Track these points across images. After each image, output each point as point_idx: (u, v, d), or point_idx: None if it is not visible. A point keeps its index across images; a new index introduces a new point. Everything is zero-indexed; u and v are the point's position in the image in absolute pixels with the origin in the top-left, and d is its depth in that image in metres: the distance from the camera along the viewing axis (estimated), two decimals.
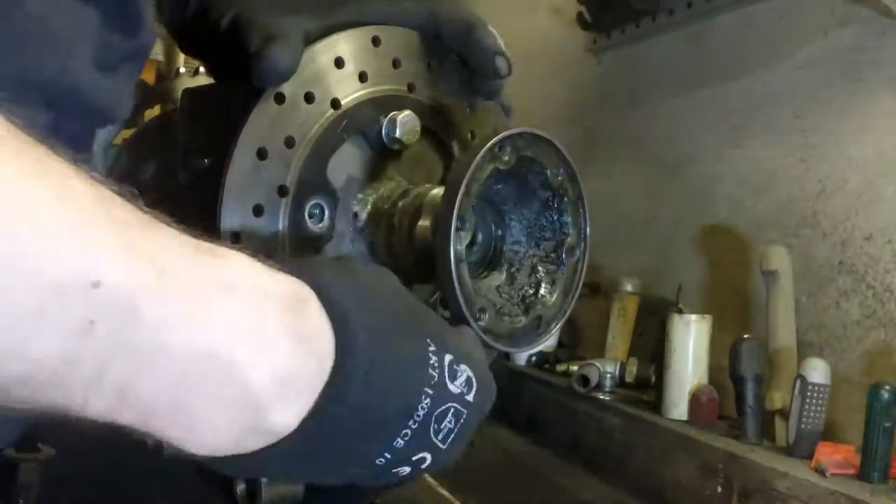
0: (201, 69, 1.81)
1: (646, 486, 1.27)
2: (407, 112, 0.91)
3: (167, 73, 1.90)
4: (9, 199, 0.35)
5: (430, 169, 0.97)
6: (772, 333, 1.29)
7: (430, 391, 0.54)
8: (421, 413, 0.54)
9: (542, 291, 0.87)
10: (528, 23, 2.28)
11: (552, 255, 0.88)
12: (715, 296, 1.58)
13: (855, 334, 1.29)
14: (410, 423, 0.53)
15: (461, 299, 0.74)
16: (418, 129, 0.92)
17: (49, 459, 1.02)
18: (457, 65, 1.00)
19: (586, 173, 0.87)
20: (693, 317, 1.32)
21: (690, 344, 1.30)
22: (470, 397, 0.58)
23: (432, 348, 0.56)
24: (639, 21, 1.87)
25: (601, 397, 1.45)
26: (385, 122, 0.91)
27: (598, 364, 1.50)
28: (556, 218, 0.88)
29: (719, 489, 1.14)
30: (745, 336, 1.24)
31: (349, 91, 0.90)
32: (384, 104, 0.93)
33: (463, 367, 0.58)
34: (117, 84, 0.68)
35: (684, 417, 1.28)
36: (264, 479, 0.95)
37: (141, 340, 0.40)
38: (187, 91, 0.93)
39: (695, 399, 1.28)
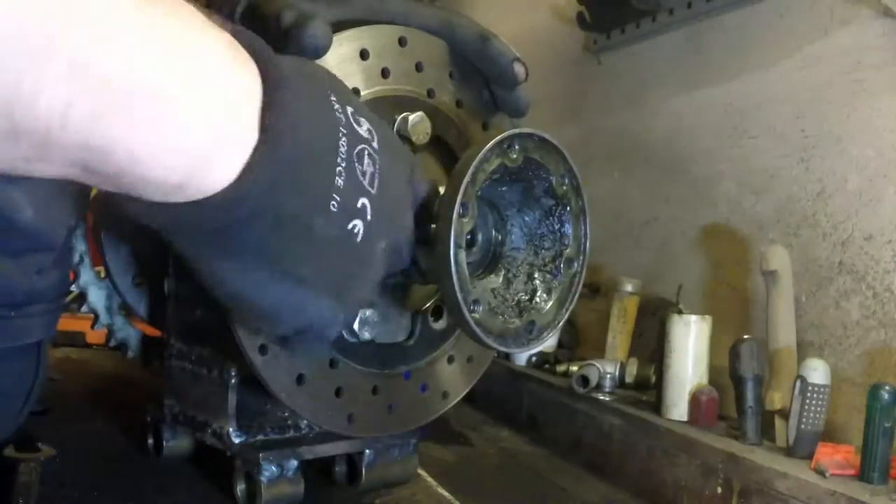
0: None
1: (646, 486, 1.27)
2: (419, 113, 0.91)
3: None
4: None
5: (432, 176, 0.98)
6: (772, 333, 1.29)
7: (344, 130, 0.59)
8: (343, 150, 0.59)
9: (537, 299, 0.87)
10: (528, 23, 2.27)
11: (550, 264, 0.89)
12: (715, 296, 1.58)
13: (855, 334, 1.29)
14: (339, 160, 0.58)
15: (457, 284, 0.74)
16: (429, 131, 0.92)
17: (49, 459, 1.02)
18: (477, 78, 1.00)
19: (586, 173, 0.88)
20: (693, 317, 1.32)
21: (690, 344, 1.30)
22: (376, 144, 0.63)
23: (333, 98, 0.60)
24: (639, 21, 1.87)
25: (601, 398, 1.45)
26: (398, 119, 0.91)
27: (598, 364, 1.49)
28: (556, 227, 0.88)
29: (719, 489, 1.14)
30: (745, 336, 1.24)
31: (370, 84, 0.91)
32: (401, 103, 0.93)
33: (363, 119, 0.63)
34: None
35: (684, 418, 1.28)
36: (264, 479, 0.95)
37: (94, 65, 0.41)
38: None
39: (695, 399, 1.28)
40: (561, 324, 0.89)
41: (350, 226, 0.60)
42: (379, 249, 0.64)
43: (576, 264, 0.89)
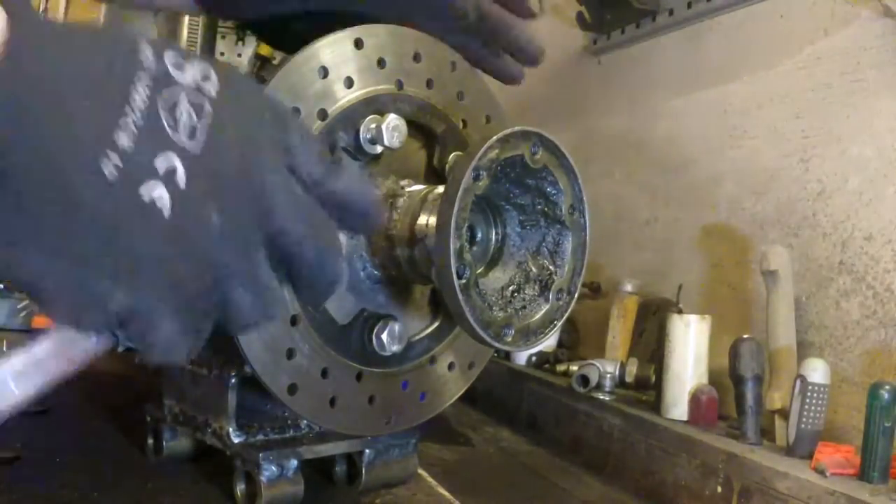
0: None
1: (646, 486, 1.27)
2: (391, 116, 0.91)
3: None
4: None
5: (414, 163, 0.98)
6: (772, 333, 1.29)
7: (144, 73, 0.48)
8: (139, 98, 0.47)
9: (535, 300, 0.88)
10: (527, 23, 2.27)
11: (549, 267, 0.89)
12: (715, 296, 1.58)
13: (855, 334, 1.29)
14: (127, 109, 0.47)
15: (456, 284, 0.75)
16: (405, 130, 0.93)
17: (50, 459, 1.02)
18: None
19: (586, 173, 0.88)
20: (693, 317, 1.32)
21: (690, 344, 1.30)
22: (210, 88, 0.51)
23: (146, 46, 0.50)
24: (639, 21, 1.87)
25: (601, 397, 1.45)
26: (370, 127, 0.91)
27: (598, 364, 1.49)
28: (556, 234, 0.89)
29: (719, 489, 1.14)
30: (745, 336, 1.24)
31: (336, 98, 0.90)
32: (373, 104, 0.93)
33: (193, 63, 0.51)
34: None
35: (684, 417, 1.28)
36: (264, 479, 0.95)
37: None
38: None
39: (694, 399, 1.28)
40: (557, 327, 0.89)
41: (142, 192, 0.47)
42: (214, 227, 0.50)
43: (573, 275, 0.89)
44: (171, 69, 0.49)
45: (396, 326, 0.91)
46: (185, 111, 0.49)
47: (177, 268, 0.50)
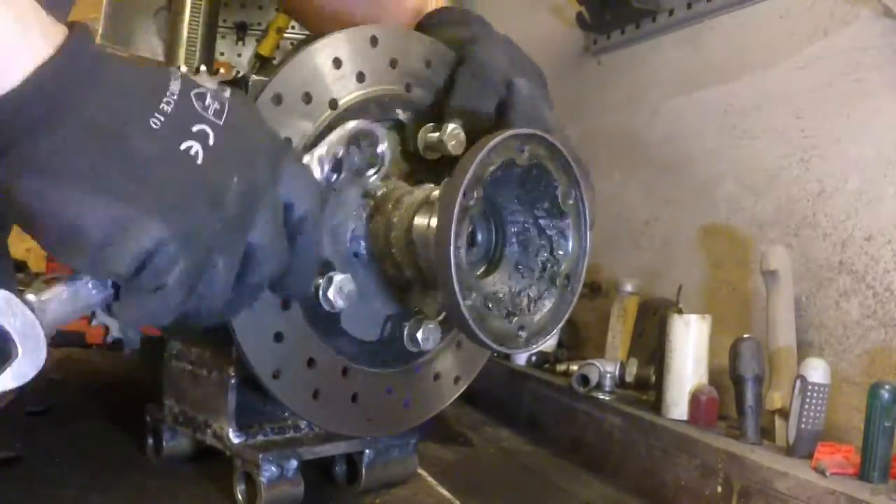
0: (202, 68, 1.81)
1: (646, 486, 1.27)
2: (451, 126, 0.91)
3: None
4: None
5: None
6: (772, 333, 1.29)
7: (175, 86, 0.63)
8: (173, 89, 0.62)
9: (534, 303, 0.89)
10: (527, 23, 2.27)
11: (548, 270, 0.89)
12: (715, 296, 1.58)
13: (855, 334, 1.29)
14: (167, 94, 0.62)
15: (455, 283, 0.75)
16: (463, 139, 0.93)
17: (50, 459, 1.02)
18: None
19: None
20: (693, 317, 1.31)
21: (690, 344, 1.30)
22: (225, 100, 0.66)
23: (176, 79, 0.64)
24: (639, 21, 1.87)
25: (601, 397, 1.44)
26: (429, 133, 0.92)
27: (598, 364, 1.49)
28: (557, 237, 0.89)
29: (719, 489, 1.14)
30: (745, 336, 1.24)
31: (347, 91, 0.90)
32: (382, 104, 0.93)
33: (213, 100, 0.65)
34: None
35: (684, 417, 1.28)
36: (264, 480, 0.95)
37: None
38: None
39: (695, 399, 1.28)
40: (558, 327, 0.89)
41: (184, 146, 0.61)
42: (232, 182, 0.63)
43: (573, 275, 0.89)
44: (194, 79, 0.65)
45: (339, 277, 0.87)
46: (210, 100, 0.64)
47: (200, 211, 0.61)
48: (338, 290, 0.86)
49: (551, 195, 0.87)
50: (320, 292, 0.87)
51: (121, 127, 0.58)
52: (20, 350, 0.57)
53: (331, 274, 0.87)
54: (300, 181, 0.72)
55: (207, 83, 0.65)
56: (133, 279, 0.60)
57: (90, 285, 0.62)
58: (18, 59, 0.56)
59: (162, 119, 0.60)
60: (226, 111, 0.64)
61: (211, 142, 0.62)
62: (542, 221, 0.89)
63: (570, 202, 0.87)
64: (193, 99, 0.63)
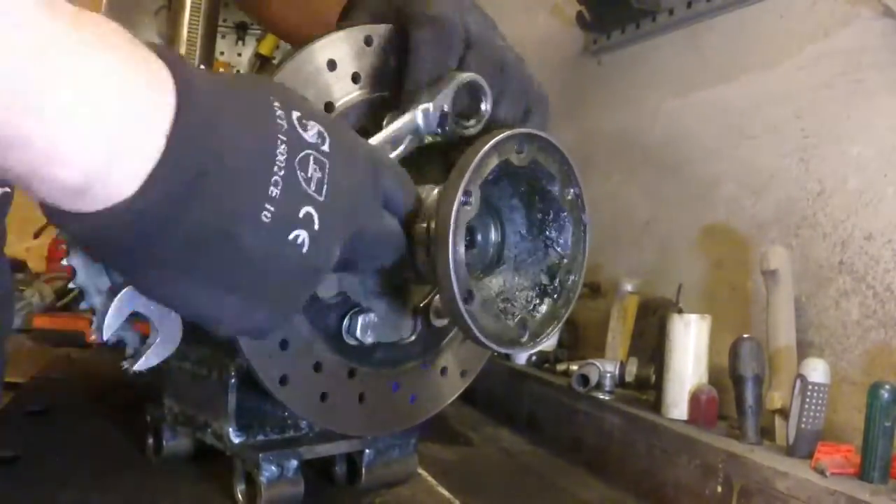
0: (201, 68, 1.80)
1: (646, 486, 1.27)
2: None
3: None
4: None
5: (436, 173, 0.98)
6: (772, 333, 1.29)
7: (283, 137, 0.58)
8: (282, 159, 0.58)
9: (533, 303, 0.89)
10: (527, 22, 2.27)
11: (548, 270, 0.89)
12: (715, 296, 1.58)
13: (855, 334, 1.29)
14: (275, 168, 0.57)
15: (455, 283, 0.75)
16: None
17: (50, 459, 1.02)
18: None
19: (586, 174, 0.88)
20: (693, 317, 1.32)
21: (690, 344, 1.30)
22: (326, 147, 0.62)
23: (276, 104, 0.60)
24: (639, 21, 1.87)
25: (601, 397, 1.45)
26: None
27: (598, 364, 1.49)
28: (556, 236, 0.89)
29: (719, 489, 1.14)
30: (745, 336, 1.24)
31: (342, 93, 0.90)
32: (378, 105, 0.93)
33: (312, 123, 0.62)
34: None
35: (684, 417, 1.28)
36: (264, 479, 0.95)
37: None
38: None
39: (695, 399, 1.28)
40: (558, 328, 0.89)
41: (291, 236, 0.59)
42: (333, 256, 0.64)
43: (573, 274, 0.89)
44: (298, 130, 0.60)
45: (371, 316, 0.90)
46: (313, 168, 0.60)
47: (303, 294, 0.65)
48: (364, 329, 0.90)
49: (550, 194, 0.87)
50: (344, 331, 0.91)
51: (230, 227, 0.55)
52: (159, 332, 0.65)
53: (354, 311, 0.90)
54: (396, 183, 0.75)
55: (311, 131, 0.62)
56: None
57: None
58: (126, 164, 0.50)
59: (271, 210, 0.56)
60: (327, 178, 0.61)
61: (316, 226, 0.60)
62: (541, 221, 0.89)
63: (569, 200, 0.87)
64: (299, 173, 0.59)
